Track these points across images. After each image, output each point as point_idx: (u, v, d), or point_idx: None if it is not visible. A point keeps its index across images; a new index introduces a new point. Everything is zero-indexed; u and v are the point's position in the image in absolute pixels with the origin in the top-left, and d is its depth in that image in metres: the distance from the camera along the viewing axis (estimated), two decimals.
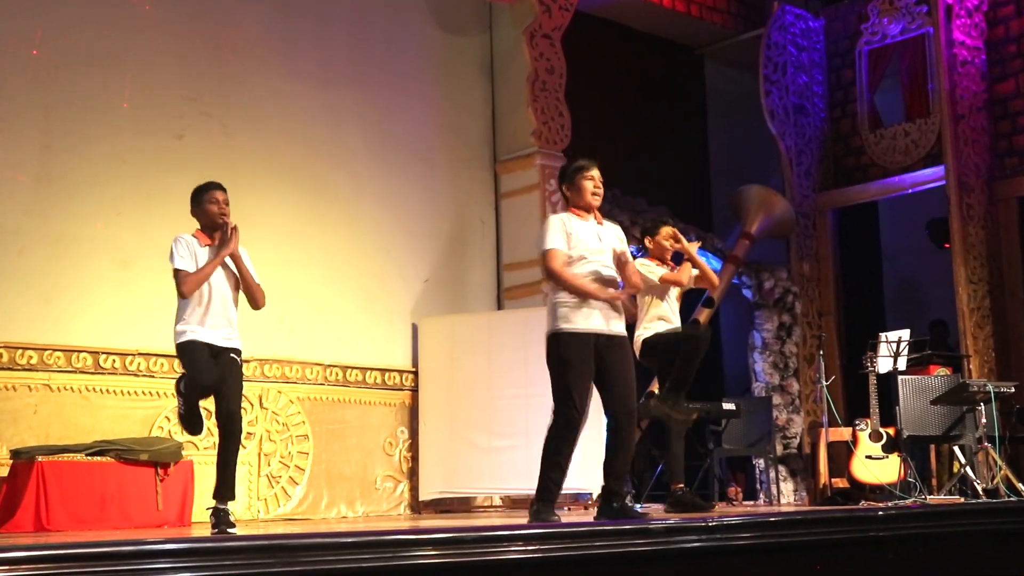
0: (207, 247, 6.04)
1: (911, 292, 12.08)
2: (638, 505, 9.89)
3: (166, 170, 8.68)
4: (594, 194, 5.76)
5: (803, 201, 11.71)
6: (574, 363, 5.69)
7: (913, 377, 8.54)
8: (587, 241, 5.71)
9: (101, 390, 8.07)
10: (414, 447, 9.70)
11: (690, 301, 10.98)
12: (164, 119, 8.72)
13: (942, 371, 9.23)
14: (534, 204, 10.41)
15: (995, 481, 7.85)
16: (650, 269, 7.08)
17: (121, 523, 7.41)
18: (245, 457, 8.68)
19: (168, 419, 8.30)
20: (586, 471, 9.22)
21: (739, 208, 11.48)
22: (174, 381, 6.31)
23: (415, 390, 9.79)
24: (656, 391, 10.32)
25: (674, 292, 7.23)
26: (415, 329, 9.91)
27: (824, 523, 2.73)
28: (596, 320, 5.62)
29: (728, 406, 9.96)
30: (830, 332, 11.50)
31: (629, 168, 11.76)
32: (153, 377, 8.31)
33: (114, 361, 8.13)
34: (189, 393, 6.03)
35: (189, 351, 5.97)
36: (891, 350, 8.44)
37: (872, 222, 12.09)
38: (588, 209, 5.79)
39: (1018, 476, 8.06)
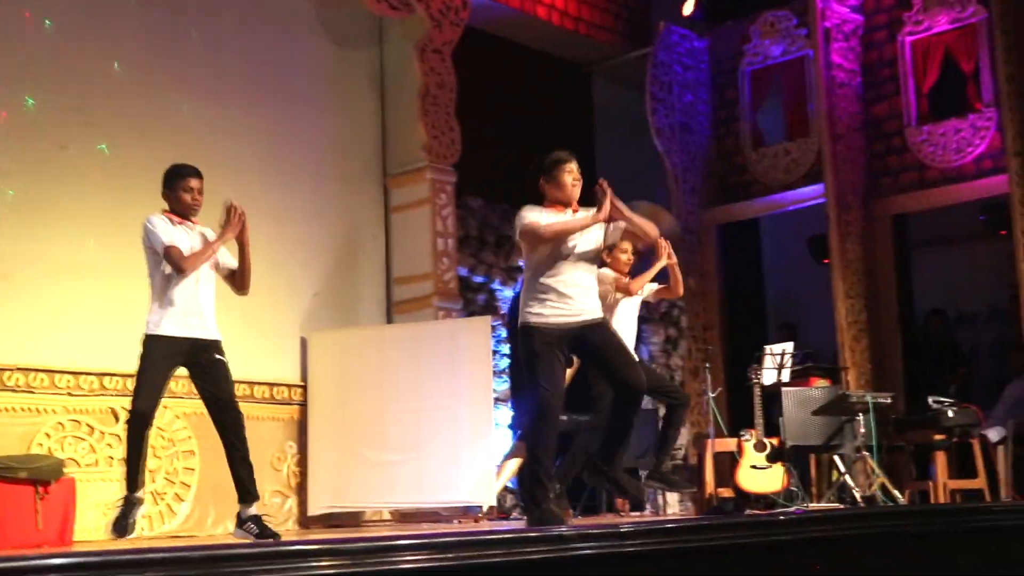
0: (180, 226, 5.77)
1: (792, 306, 12.40)
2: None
3: (49, 182, 8.49)
4: (573, 186, 5.71)
5: (688, 217, 11.94)
6: (542, 354, 5.48)
7: (795, 389, 8.78)
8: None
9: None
10: (303, 462, 9.61)
11: None
12: (47, 128, 8.52)
13: (822, 383, 9.50)
14: (424, 218, 10.44)
15: (872, 488, 8.09)
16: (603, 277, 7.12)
17: None
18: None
19: (48, 435, 8.10)
20: (478, 483, 9.28)
21: None
22: (56, 396, 6.11)
23: (304, 404, 9.70)
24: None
25: (628, 309, 7.27)
26: (304, 343, 9.83)
27: (730, 528, 2.79)
28: (570, 309, 5.53)
29: None
30: (715, 345, 11.73)
31: (517, 182, 11.83)
32: (33, 392, 8.07)
33: (17, 379, 7.90)
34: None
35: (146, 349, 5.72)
36: (775, 362, 8.65)
37: (754, 238, 12.39)
38: (568, 203, 5.72)
39: (894, 483, 8.33)
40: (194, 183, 5.75)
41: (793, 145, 11.62)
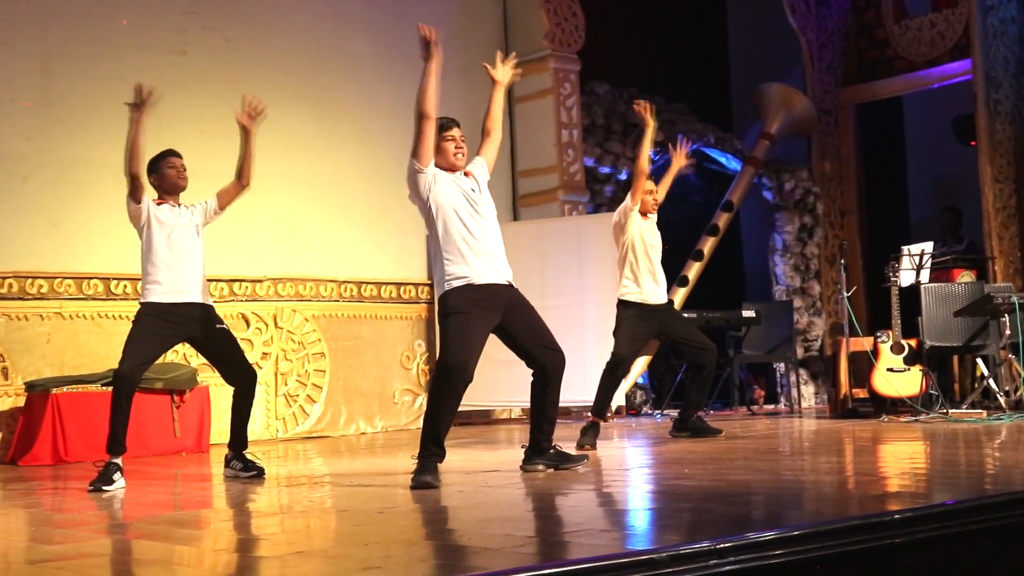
0: (162, 205, 5.80)
1: (937, 188, 11.81)
2: (658, 414, 9.90)
3: (170, 88, 8.42)
4: (455, 155, 5.21)
5: (825, 97, 11.38)
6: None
7: (936, 285, 8.37)
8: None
9: (114, 316, 8.02)
10: (431, 360, 9.66)
11: (709, 208, 10.80)
12: (166, 35, 8.50)
13: (966, 276, 9.05)
14: (548, 108, 10.20)
15: (1018, 393, 7.73)
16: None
17: (140, 451, 7.42)
18: (262, 377, 8.63)
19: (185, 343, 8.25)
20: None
21: (759, 107, 11.20)
22: None
23: (431, 303, 9.70)
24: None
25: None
26: (429, 242, 9.76)
27: (839, 534, 2.61)
28: None
29: (748, 313, 9.86)
30: (852, 232, 11.29)
31: (645, 66, 11.46)
32: None
33: (125, 286, 8.06)
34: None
35: None
36: (914, 263, 8.25)
37: (896, 117, 11.75)
38: (452, 169, 5.21)
39: None
40: (176, 160, 5.86)
41: (939, 16, 10.90)
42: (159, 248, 5.73)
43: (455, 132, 5.27)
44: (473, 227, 5.10)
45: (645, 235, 6.86)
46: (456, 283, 5.04)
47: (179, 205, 5.86)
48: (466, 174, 5.27)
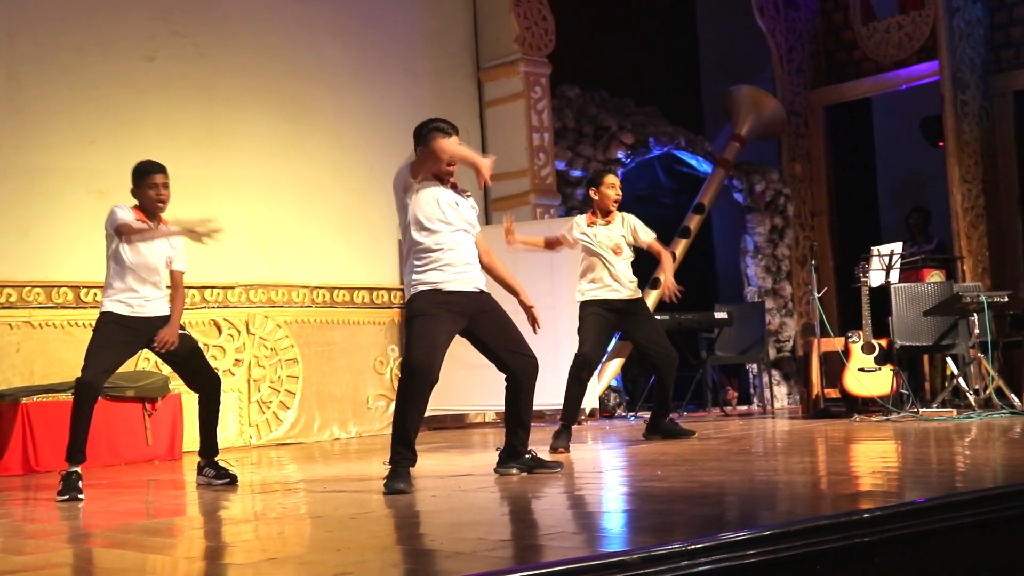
0: (143, 223, 5.61)
1: (906, 189, 11.90)
2: (631, 415, 9.92)
3: (139, 94, 8.47)
4: (448, 163, 5.04)
5: (794, 99, 11.45)
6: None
7: (906, 285, 8.44)
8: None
9: (84, 324, 7.94)
10: None
11: (679, 210, 10.84)
12: (134, 41, 8.46)
13: (935, 275, 9.12)
14: (519, 112, 10.21)
15: (987, 392, 7.80)
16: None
17: (111, 460, 7.40)
18: (235, 384, 8.65)
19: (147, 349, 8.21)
20: None
21: (729, 110, 11.25)
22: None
23: (404, 308, 9.66)
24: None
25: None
26: (402, 246, 9.75)
27: (810, 534, 2.62)
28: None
29: (720, 315, 9.90)
30: (823, 233, 11.36)
31: (615, 69, 11.50)
32: None
33: (95, 295, 7.98)
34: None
35: None
36: (883, 263, 8.31)
37: (865, 119, 11.83)
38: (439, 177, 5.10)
39: (1010, 385, 8.00)
40: (159, 179, 5.62)
41: (906, 18, 10.97)
42: (134, 264, 5.59)
43: (454, 140, 5.10)
44: (447, 238, 5.07)
45: (598, 234, 6.83)
46: (423, 287, 5.04)
47: (156, 224, 5.66)
48: (454, 187, 5.17)
